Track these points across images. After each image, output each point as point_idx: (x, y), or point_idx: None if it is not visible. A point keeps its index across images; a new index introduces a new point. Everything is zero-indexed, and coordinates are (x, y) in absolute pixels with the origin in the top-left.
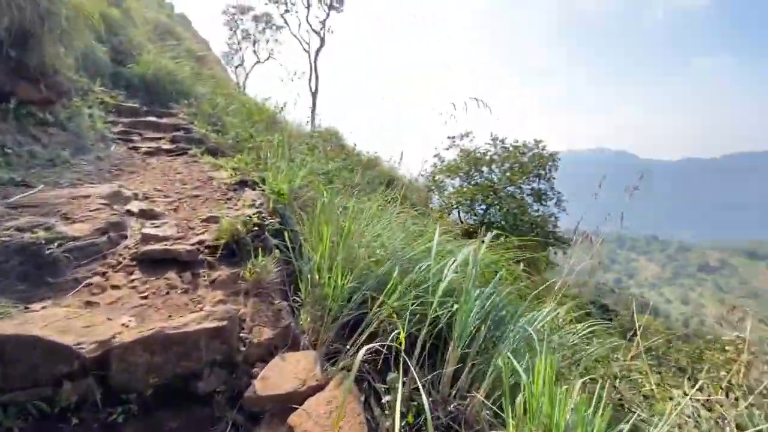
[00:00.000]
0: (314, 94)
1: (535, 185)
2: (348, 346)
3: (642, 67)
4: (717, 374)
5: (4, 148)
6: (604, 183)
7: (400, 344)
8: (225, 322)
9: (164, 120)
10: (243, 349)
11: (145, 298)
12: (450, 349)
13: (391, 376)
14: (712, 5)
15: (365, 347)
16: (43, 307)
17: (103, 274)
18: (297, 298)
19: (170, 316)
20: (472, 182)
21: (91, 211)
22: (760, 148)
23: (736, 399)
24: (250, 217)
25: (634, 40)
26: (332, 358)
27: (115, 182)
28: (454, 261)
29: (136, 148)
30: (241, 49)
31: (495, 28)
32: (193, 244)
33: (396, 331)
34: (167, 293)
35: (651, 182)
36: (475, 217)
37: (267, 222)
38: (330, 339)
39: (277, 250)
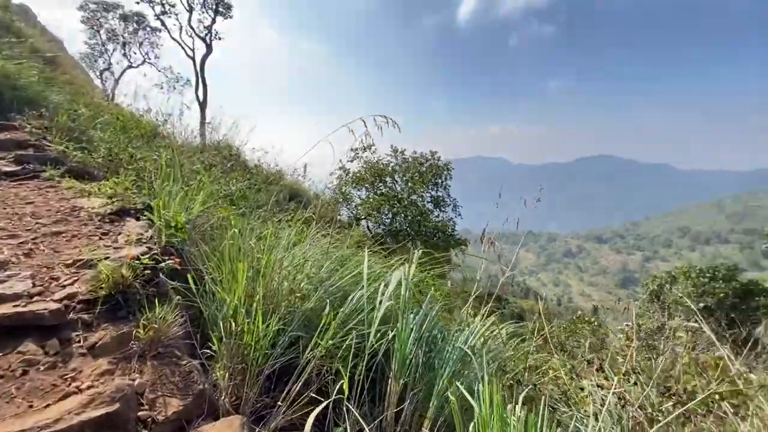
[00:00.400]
0: (203, 105)
1: (433, 193)
2: (280, 402)
3: (507, 86)
4: (614, 361)
5: None
6: (483, 185)
7: (342, 391)
8: (117, 405)
9: (2, 135)
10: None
11: None
12: (390, 382)
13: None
14: (557, 32)
15: (300, 398)
16: None
17: None
18: (209, 351)
19: (31, 406)
20: (378, 192)
21: None
22: (598, 152)
23: (635, 384)
24: (139, 258)
25: (501, 60)
26: (261, 419)
27: None
28: (386, 286)
29: None
30: (106, 51)
31: (380, 42)
32: (59, 301)
33: (330, 375)
34: (23, 373)
35: (523, 182)
36: (383, 226)
37: (161, 262)
38: (255, 396)
39: (177, 296)
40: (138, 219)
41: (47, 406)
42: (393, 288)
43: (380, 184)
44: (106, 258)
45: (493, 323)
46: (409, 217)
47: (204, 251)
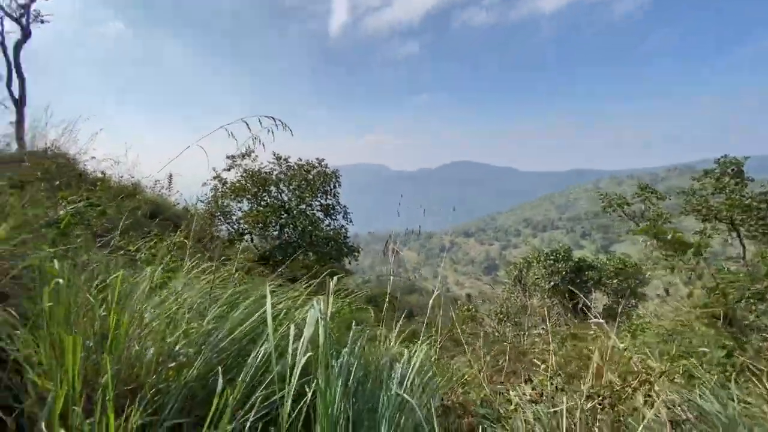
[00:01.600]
0: (19, 103)
1: (323, 201)
2: None
3: (380, 102)
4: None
5: None
6: (363, 190)
7: None
8: None
9: None
10: None
11: None
12: None
13: None
14: (418, 53)
15: None
16: None
17: None
18: None
19: None
20: (262, 203)
21: None
22: (458, 158)
23: (557, 388)
24: None
25: (373, 71)
26: None
27: None
28: (297, 329)
29: None
30: None
31: (252, 47)
32: None
33: None
34: None
35: (402, 187)
36: (271, 240)
37: None
38: None
39: None
40: None
41: None
42: (309, 334)
43: (264, 194)
44: None
45: (414, 343)
46: (300, 228)
47: (8, 319)
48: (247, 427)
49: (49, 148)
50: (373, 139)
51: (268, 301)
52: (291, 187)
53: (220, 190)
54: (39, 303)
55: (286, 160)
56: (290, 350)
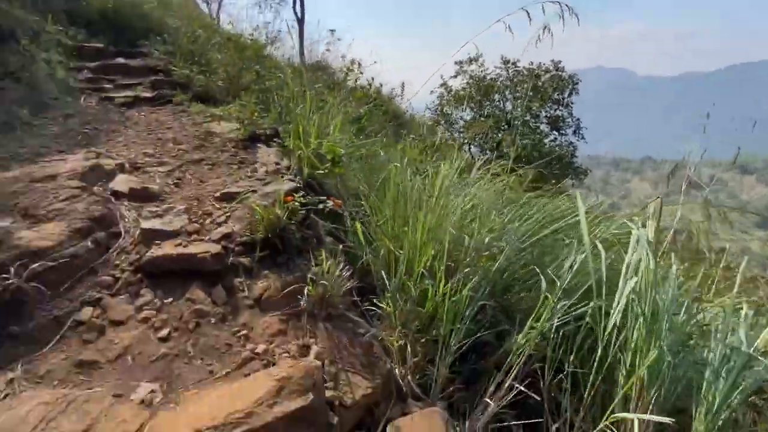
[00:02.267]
0: (301, 22)
1: (552, 112)
2: (479, 394)
3: None
4: None
5: None
6: (601, 103)
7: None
8: (310, 397)
9: (137, 61)
10: (335, 420)
11: (167, 339)
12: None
13: None
14: None
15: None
16: (5, 395)
17: (97, 302)
18: (375, 309)
19: (211, 372)
20: (484, 112)
21: (62, 200)
22: (759, 57)
23: None
24: (293, 196)
25: None
26: (452, 406)
27: (91, 148)
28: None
29: (110, 99)
30: None
31: None
32: (217, 241)
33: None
34: (197, 326)
35: (649, 99)
36: (489, 153)
37: (320, 203)
38: (445, 379)
39: (330, 238)
40: (268, 146)
41: (227, 373)
42: (635, 256)
43: (487, 102)
44: (253, 191)
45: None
46: (523, 141)
47: (340, 186)
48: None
49: (320, 59)
50: (616, 33)
51: (581, 207)
52: (517, 95)
53: (445, 97)
54: (369, 179)
55: (514, 64)
56: (604, 268)
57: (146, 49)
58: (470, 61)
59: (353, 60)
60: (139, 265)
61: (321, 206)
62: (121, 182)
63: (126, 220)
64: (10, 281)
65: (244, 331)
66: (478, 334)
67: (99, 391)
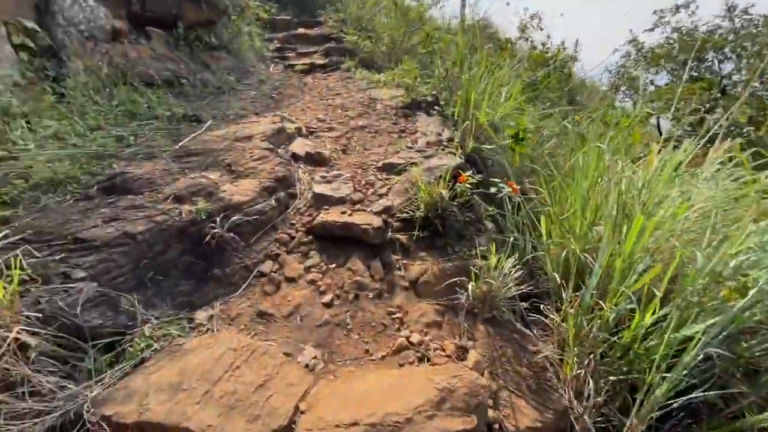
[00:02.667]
0: None
1: None
2: None
3: None
4: None
5: (180, 79)
6: None
7: None
8: (473, 419)
9: (315, 31)
10: None
11: (329, 306)
12: None
13: None
14: None
15: None
16: (207, 330)
17: (276, 257)
18: (542, 319)
19: (367, 351)
20: (688, 75)
21: (255, 160)
22: None
23: None
24: (464, 176)
25: None
26: None
27: (277, 112)
28: None
29: (291, 66)
30: None
31: None
32: (378, 213)
33: None
34: (355, 297)
35: None
36: (688, 128)
37: (493, 185)
38: None
39: (491, 229)
40: (428, 114)
41: (383, 357)
42: None
43: (694, 63)
44: (413, 164)
45: None
46: (740, 114)
47: (537, 171)
48: None
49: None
50: None
51: None
52: (744, 53)
53: (632, 56)
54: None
55: (745, 11)
56: None
57: (323, 18)
58: (676, 8)
59: (534, 14)
60: (310, 227)
61: (495, 191)
62: (299, 146)
63: (301, 182)
64: (216, 231)
65: (399, 314)
66: (700, 392)
67: (273, 345)
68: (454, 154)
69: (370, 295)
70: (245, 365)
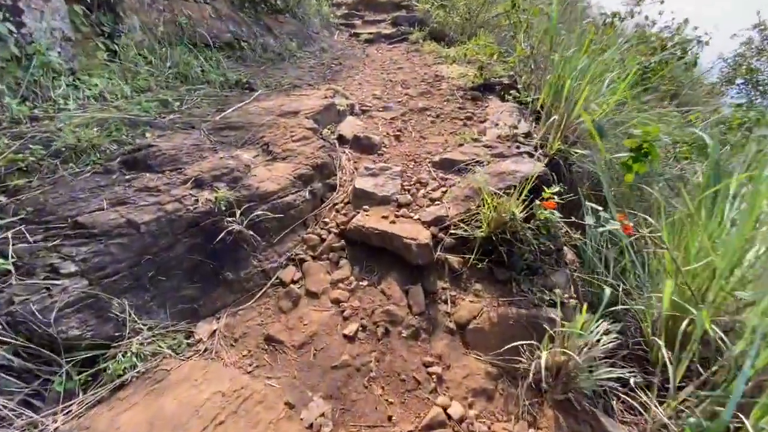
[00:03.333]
0: None
1: None
2: None
3: None
4: None
5: (240, 41)
6: None
7: None
8: None
9: None
10: None
11: (352, 339)
12: None
13: None
14: None
15: None
16: (205, 350)
17: (300, 263)
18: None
19: (390, 419)
20: None
21: (296, 140)
22: None
23: None
24: (551, 197)
25: None
26: None
27: (332, 85)
28: None
29: (356, 35)
30: None
31: None
32: (427, 224)
33: None
34: (385, 333)
35: None
36: None
37: (562, 201)
38: None
39: (573, 267)
40: (503, 99)
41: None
42: None
43: None
44: (478, 162)
45: None
46: None
47: (657, 201)
48: None
49: None
50: None
51: None
52: None
53: (755, 42)
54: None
55: None
56: None
57: None
58: None
59: None
60: (344, 229)
61: (597, 227)
62: (348, 126)
63: (344, 171)
64: (234, 226)
65: (438, 368)
66: None
67: (275, 386)
68: (533, 156)
69: (404, 333)
70: (231, 419)
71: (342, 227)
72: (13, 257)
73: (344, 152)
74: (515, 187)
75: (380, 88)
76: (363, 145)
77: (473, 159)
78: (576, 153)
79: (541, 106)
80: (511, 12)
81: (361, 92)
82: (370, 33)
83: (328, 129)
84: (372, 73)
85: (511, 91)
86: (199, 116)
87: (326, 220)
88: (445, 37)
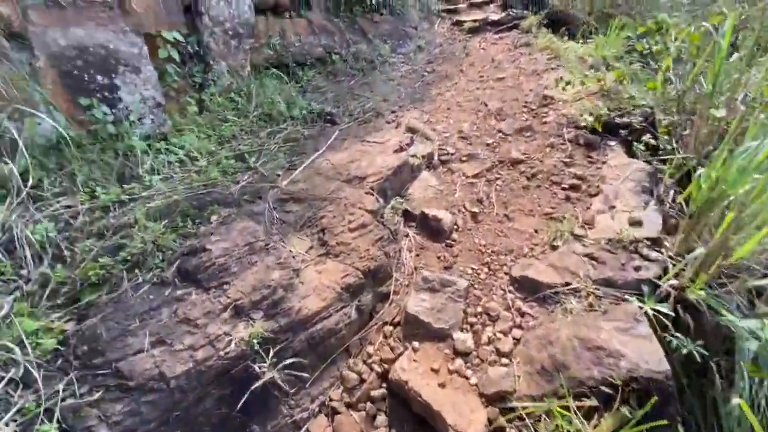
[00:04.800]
0: None
1: None
2: None
3: None
4: None
5: (333, 54)
6: None
7: None
8: None
9: None
10: None
11: None
12: None
13: None
14: None
15: None
16: None
17: (332, 414)
18: None
19: None
20: None
21: (352, 229)
22: None
23: None
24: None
25: None
26: None
27: (413, 120)
28: None
29: (459, 23)
30: None
31: None
32: (485, 398)
33: None
34: None
35: None
36: None
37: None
38: None
39: None
40: (630, 148)
41: None
42: None
43: None
44: (572, 291)
45: None
46: None
47: None
48: None
49: None
50: None
51: None
52: None
53: None
54: None
55: None
56: None
57: None
58: None
59: None
60: (387, 370)
61: None
62: (419, 189)
63: (402, 271)
64: (265, 370)
65: None
66: None
67: None
68: (657, 293)
69: None
70: None
71: (385, 365)
72: (58, 419)
73: (407, 236)
74: (614, 384)
75: (470, 119)
76: (430, 228)
77: (566, 284)
78: (725, 314)
79: (688, 172)
80: (653, 36)
81: (447, 123)
82: (475, 20)
83: (394, 204)
84: (466, 86)
85: (644, 137)
86: (269, 177)
87: (369, 350)
88: (566, 22)
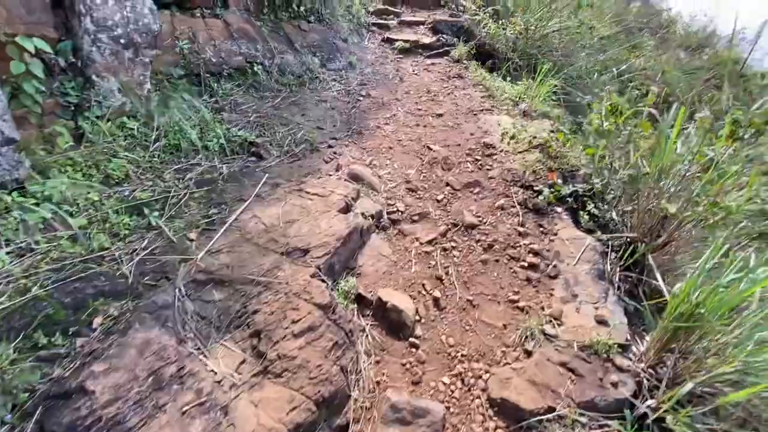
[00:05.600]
0: None
1: None
2: None
3: None
4: None
5: (254, 64)
6: None
7: None
8: None
9: None
10: None
11: None
12: None
13: None
14: None
15: None
16: None
17: None
18: None
19: None
20: None
21: (297, 335)
22: None
23: None
24: None
25: None
26: None
27: (353, 155)
28: None
29: (390, 41)
30: None
31: None
32: None
33: None
34: None
35: None
36: None
37: None
38: None
39: None
40: (576, 216)
41: None
42: None
43: None
44: (557, 417)
45: None
46: None
47: None
48: None
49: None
50: None
51: None
52: None
53: None
54: None
55: None
56: None
57: None
58: None
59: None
60: None
61: None
62: (371, 262)
63: (362, 387)
64: None
65: None
66: None
67: None
68: (635, 414)
69: None
70: None
71: None
72: None
73: (363, 331)
74: None
75: (415, 164)
76: (390, 321)
77: (549, 408)
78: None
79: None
80: (604, 119)
81: (392, 168)
82: (406, 41)
83: (345, 287)
84: (405, 120)
85: (588, 206)
86: (179, 244)
87: None
88: (492, 56)
